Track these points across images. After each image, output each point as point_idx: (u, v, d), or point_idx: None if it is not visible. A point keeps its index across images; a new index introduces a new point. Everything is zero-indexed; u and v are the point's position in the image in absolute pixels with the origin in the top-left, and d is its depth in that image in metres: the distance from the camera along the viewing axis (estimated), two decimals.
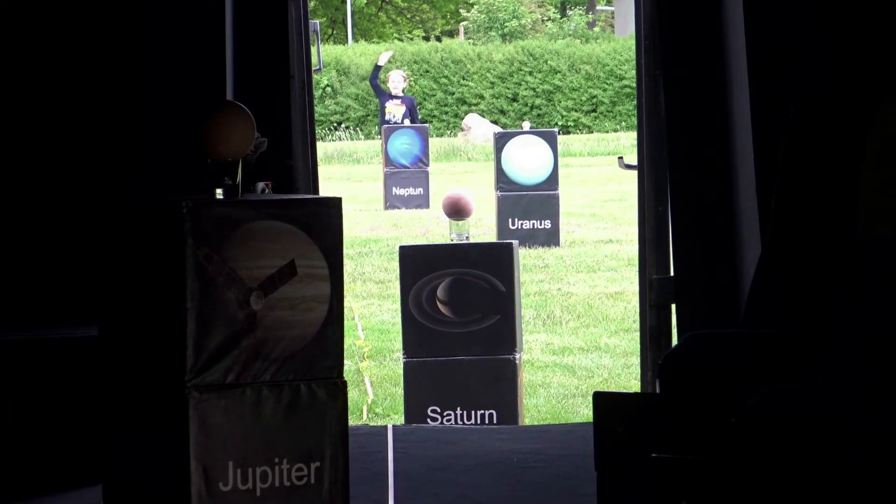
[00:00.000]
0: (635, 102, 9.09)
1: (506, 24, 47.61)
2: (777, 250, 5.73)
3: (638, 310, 8.50)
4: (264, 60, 8.10)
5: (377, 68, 29.02)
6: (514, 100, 41.29)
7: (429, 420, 10.89)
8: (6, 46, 7.55)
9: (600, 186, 25.42)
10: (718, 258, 8.03)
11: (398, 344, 11.64)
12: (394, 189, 23.92)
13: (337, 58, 40.00)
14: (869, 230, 4.28)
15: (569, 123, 40.61)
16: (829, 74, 7.53)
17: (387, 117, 26.86)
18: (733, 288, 7.82)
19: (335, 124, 39.22)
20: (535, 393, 11.69)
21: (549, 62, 41.48)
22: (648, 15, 8.25)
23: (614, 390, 5.26)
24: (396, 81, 27.36)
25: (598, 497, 5.01)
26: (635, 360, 8.62)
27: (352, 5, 35.25)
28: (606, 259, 17.85)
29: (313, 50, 8.75)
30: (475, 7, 48.23)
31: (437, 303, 11.10)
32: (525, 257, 16.83)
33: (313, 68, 8.78)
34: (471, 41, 46.69)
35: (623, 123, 39.89)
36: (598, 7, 54.92)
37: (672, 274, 8.30)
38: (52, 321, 7.01)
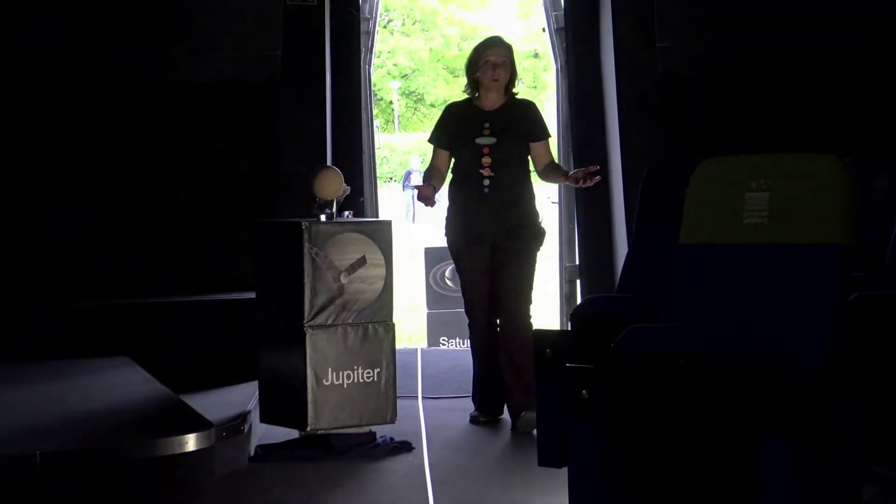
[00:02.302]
0: None
1: None
2: (635, 251, 5.76)
3: (558, 283, 8.50)
4: (348, 143, 8.08)
5: (408, 175, 27.15)
6: None
7: (441, 345, 10.91)
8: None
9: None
10: (604, 254, 7.99)
11: (423, 302, 11.67)
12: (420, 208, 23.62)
13: (389, 142, 39.77)
14: (686, 239, 4.28)
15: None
16: (665, 146, 7.54)
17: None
18: (611, 271, 7.81)
19: (388, 179, 38.97)
20: None
21: None
22: (564, 119, 8.25)
23: (546, 328, 5.26)
24: None
25: (536, 389, 5.03)
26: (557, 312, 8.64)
27: (397, 110, 35.06)
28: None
29: (376, 137, 8.76)
30: None
31: (445, 279, 11.12)
32: None
33: (376, 147, 8.79)
34: None
35: None
36: None
37: (577, 263, 8.30)
38: (230, 289, 7.01)
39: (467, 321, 6.17)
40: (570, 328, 5.33)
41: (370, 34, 8.50)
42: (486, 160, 5.96)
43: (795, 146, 6.58)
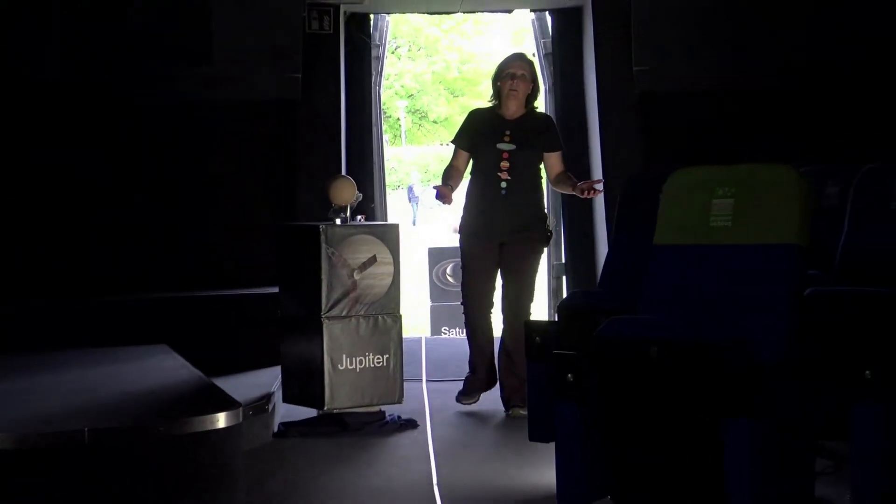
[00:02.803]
0: None
1: None
2: (615, 251, 5.75)
3: (546, 279, 8.50)
4: (360, 155, 8.10)
5: (411, 189, 26.58)
6: None
7: (442, 334, 10.90)
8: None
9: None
10: (586, 254, 8.03)
11: (427, 296, 11.65)
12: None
13: (397, 154, 39.55)
14: (659, 240, 4.28)
15: None
16: (641, 157, 7.55)
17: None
18: (594, 269, 7.82)
19: (396, 186, 38.72)
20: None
21: None
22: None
23: (536, 319, 5.24)
24: None
25: (527, 373, 5.02)
26: (545, 305, 8.65)
27: (404, 126, 34.87)
28: None
29: (385, 150, 8.77)
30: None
31: (447, 276, 11.11)
32: None
33: (385, 159, 8.79)
34: None
35: None
36: None
37: (563, 261, 8.30)
38: (255, 284, 7.01)
39: (463, 309, 6.06)
40: (557, 319, 5.30)
41: (380, 59, 8.53)
42: (505, 164, 5.83)
43: (756, 157, 6.59)
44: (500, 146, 5.88)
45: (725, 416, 3.61)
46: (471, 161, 6.01)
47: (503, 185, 5.85)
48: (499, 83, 5.95)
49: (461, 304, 6.11)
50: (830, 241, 5.11)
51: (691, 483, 3.74)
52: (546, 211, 6.07)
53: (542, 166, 6.00)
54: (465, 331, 6.13)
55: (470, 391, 6.08)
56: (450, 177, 5.96)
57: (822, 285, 4.72)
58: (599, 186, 5.97)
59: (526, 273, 5.88)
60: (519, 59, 6.01)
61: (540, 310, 9.47)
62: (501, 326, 6.00)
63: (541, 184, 6.04)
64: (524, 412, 5.46)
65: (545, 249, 6.02)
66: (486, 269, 5.93)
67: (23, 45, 7.24)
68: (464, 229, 6.00)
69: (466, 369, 6.21)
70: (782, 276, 3.94)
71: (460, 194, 6.08)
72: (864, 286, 4.71)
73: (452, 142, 6.08)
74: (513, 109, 5.93)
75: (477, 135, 5.95)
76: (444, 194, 5.82)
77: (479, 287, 5.96)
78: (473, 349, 6.05)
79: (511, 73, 5.91)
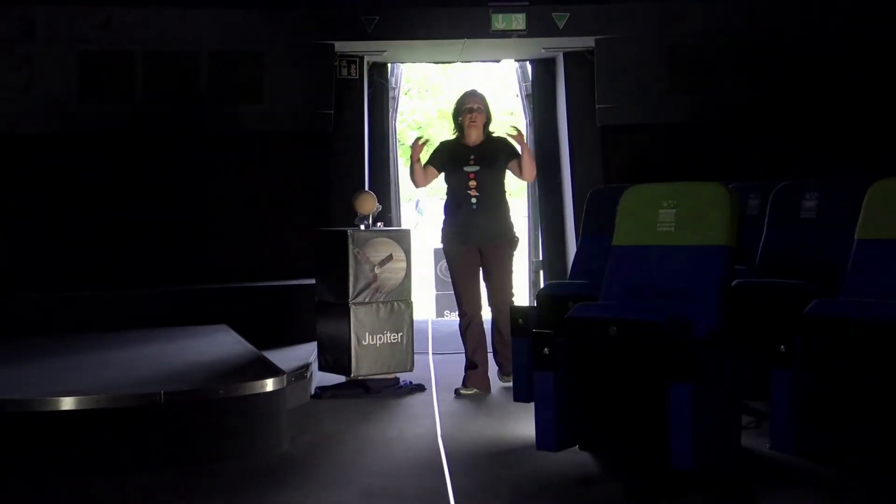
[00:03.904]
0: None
1: None
2: (581, 250, 5.71)
3: (527, 272, 8.46)
4: (379, 173, 8.07)
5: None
6: None
7: (445, 316, 10.86)
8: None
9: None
10: (559, 253, 7.99)
11: (433, 286, 11.63)
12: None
13: (408, 174, 39.20)
14: (617, 242, 4.26)
15: None
16: (602, 176, 7.52)
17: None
18: (564, 265, 7.78)
19: (408, 200, 38.32)
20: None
21: None
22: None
23: (519, 305, 5.20)
24: None
25: (512, 348, 4.99)
26: (527, 293, 8.62)
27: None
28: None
29: (399, 170, 8.73)
30: None
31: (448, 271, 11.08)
32: None
33: (399, 177, 8.76)
34: None
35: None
36: None
37: (541, 258, 8.27)
38: (296, 276, 6.98)
39: (458, 311, 5.71)
40: (536, 305, 5.27)
41: (395, 99, 8.50)
42: (472, 183, 5.61)
43: (693, 176, 6.57)
44: (467, 169, 5.65)
45: (669, 381, 3.59)
46: (441, 181, 5.77)
47: (473, 200, 5.59)
48: (459, 118, 5.71)
49: (457, 307, 5.68)
50: (753, 243, 5.09)
51: (642, 434, 3.72)
52: (512, 220, 5.77)
53: (505, 182, 5.74)
54: (461, 333, 5.67)
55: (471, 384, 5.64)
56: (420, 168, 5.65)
57: (747, 278, 4.71)
58: (523, 133, 5.63)
59: (504, 270, 5.68)
60: (473, 95, 5.75)
61: (522, 297, 9.45)
62: (490, 313, 5.91)
63: (505, 197, 5.78)
64: (510, 380, 5.42)
65: (514, 252, 5.74)
66: (471, 273, 5.67)
67: (110, 86, 7.26)
68: (445, 240, 5.73)
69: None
70: (715, 270, 3.92)
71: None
72: (779, 279, 4.70)
73: (425, 165, 5.74)
74: (474, 137, 5.69)
75: (445, 161, 5.70)
76: (414, 150, 5.51)
77: (468, 282, 5.65)
78: (467, 346, 5.66)
79: (469, 108, 5.70)
